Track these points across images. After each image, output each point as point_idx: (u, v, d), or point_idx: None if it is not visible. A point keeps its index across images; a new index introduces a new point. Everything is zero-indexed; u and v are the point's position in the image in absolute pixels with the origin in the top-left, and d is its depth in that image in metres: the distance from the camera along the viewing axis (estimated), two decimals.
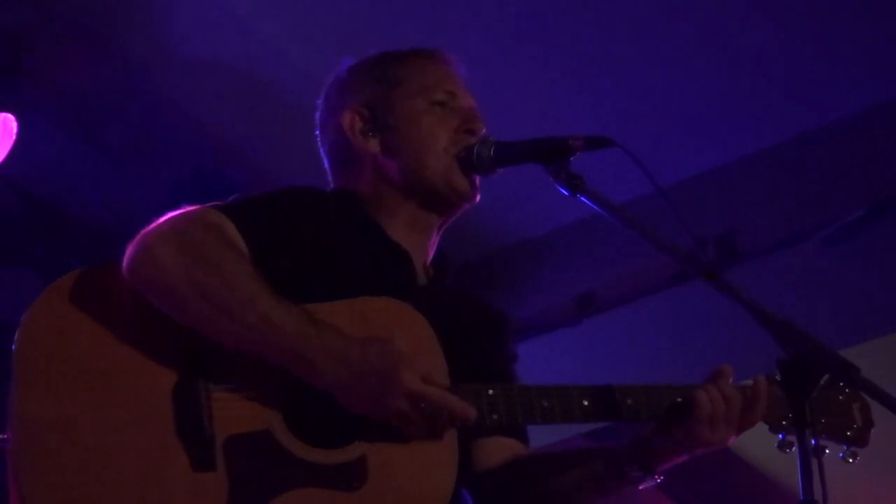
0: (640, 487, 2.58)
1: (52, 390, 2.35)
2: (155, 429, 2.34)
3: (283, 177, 4.91)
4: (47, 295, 2.43)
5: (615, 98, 4.89)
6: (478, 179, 2.73)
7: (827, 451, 2.32)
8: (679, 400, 2.52)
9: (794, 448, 2.43)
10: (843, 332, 5.03)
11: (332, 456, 2.38)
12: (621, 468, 2.57)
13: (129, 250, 2.43)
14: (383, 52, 2.87)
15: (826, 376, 2.32)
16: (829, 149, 5.02)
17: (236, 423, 2.37)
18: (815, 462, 2.21)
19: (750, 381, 2.58)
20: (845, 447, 2.64)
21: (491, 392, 2.45)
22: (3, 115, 4.53)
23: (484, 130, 2.75)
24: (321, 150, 2.88)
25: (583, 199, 2.55)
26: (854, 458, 2.64)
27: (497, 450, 2.70)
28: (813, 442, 2.25)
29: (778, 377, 2.62)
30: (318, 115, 2.89)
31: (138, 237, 2.43)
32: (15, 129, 4.53)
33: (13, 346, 2.39)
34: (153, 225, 2.45)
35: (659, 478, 2.57)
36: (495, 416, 2.44)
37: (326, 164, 2.87)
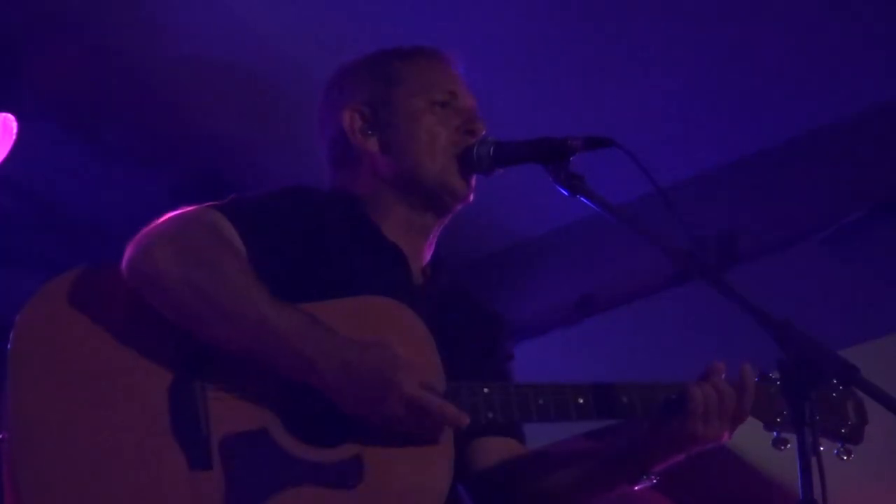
0: (636, 488, 2.58)
1: (48, 391, 2.36)
2: (151, 428, 2.35)
3: (283, 176, 4.89)
4: (42, 294, 2.43)
5: (615, 98, 4.88)
6: (474, 179, 2.73)
7: (821, 449, 2.32)
8: (673, 396, 2.52)
9: (788, 446, 2.43)
10: (843, 332, 5.03)
11: (329, 454, 2.38)
12: (617, 468, 2.57)
13: (128, 251, 2.43)
14: (385, 50, 2.87)
15: (826, 377, 2.33)
16: (829, 149, 5.02)
17: (233, 422, 2.37)
18: (814, 461, 2.21)
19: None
20: (840, 444, 2.65)
21: (486, 390, 2.46)
22: (3, 115, 4.53)
23: (484, 131, 2.75)
24: (321, 148, 2.88)
25: (582, 199, 2.55)
26: (848, 456, 2.64)
27: (494, 449, 2.70)
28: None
29: (771, 375, 2.64)
30: (318, 112, 2.89)
31: (137, 238, 2.44)
32: (15, 129, 4.53)
33: (8, 346, 2.39)
34: (152, 225, 2.46)
35: (654, 478, 2.57)
36: (491, 414, 2.45)
37: (326, 162, 2.86)
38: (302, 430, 2.40)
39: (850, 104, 4.91)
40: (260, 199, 2.62)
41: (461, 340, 2.67)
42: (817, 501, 2.19)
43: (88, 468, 2.31)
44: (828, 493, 2.19)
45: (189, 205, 2.56)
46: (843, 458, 2.63)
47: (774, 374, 2.66)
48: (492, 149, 2.69)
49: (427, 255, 2.78)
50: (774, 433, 2.62)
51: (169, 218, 2.49)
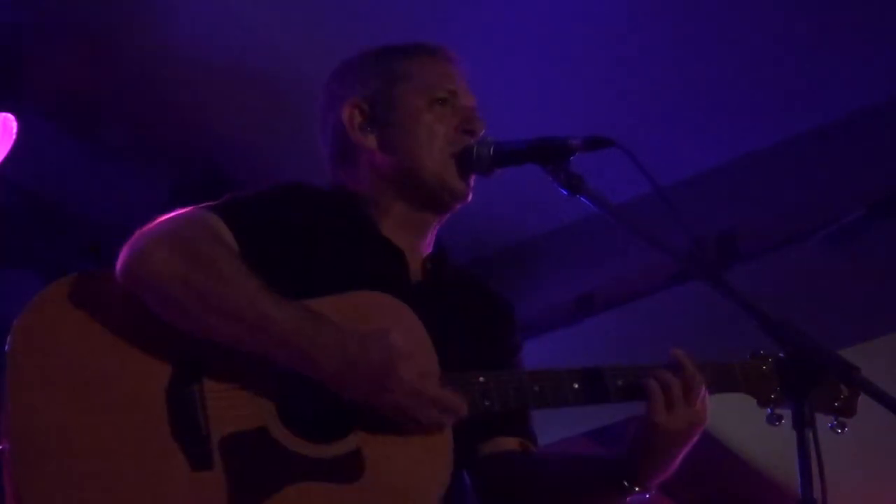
0: (628, 499, 2.58)
1: (47, 397, 2.35)
2: (151, 430, 2.35)
3: (283, 176, 4.90)
4: (38, 301, 2.44)
5: (615, 98, 4.88)
6: (473, 179, 2.73)
7: (819, 445, 2.32)
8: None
9: (783, 421, 2.43)
10: (843, 332, 5.03)
11: (329, 450, 2.39)
12: (615, 480, 2.57)
13: (123, 253, 2.43)
14: (387, 45, 2.86)
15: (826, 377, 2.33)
16: (829, 149, 5.02)
17: (232, 422, 2.37)
18: (813, 461, 2.21)
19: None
20: (834, 418, 2.65)
21: (482, 379, 2.47)
22: (3, 114, 4.53)
23: (483, 130, 2.75)
24: (321, 143, 2.87)
25: (582, 199, 2.55)
26: (843, 429, 2.64)
27: (503, 447, 2.72)
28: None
29: (762, 351, 2.64)
30: (318, 107, 2.88)
31: (131, 239, 2.44)
32: (15, 129, 4.53)
33: (6, 348, 2.39)
34: (146, 227, 2.46)
35: (648, 493, 2.57)
36: (488, 403, 2.46)
37: (325, 158, 2.86)
38: (301, 426, 2.40)
39: (850, 104, 4.92)
40: (254, 198, 2.62)
41: (465, 333, 2.67)
42: (817, 501, 2.20)
43: (89, 473, 2.31)
44: (828, 493, 2.19)
45: (189, 205, 2.56)
46: (838, 432, 2.63)
47: (759, 351, 2.66)
48: (491, 149, 2.69)
49: (426, 251, 2.78)
50: (768, 410, 2.62)
51: (163, 220, 2.49)
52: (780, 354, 2.63)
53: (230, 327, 2.36)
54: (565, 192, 2.57)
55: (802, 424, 2.28)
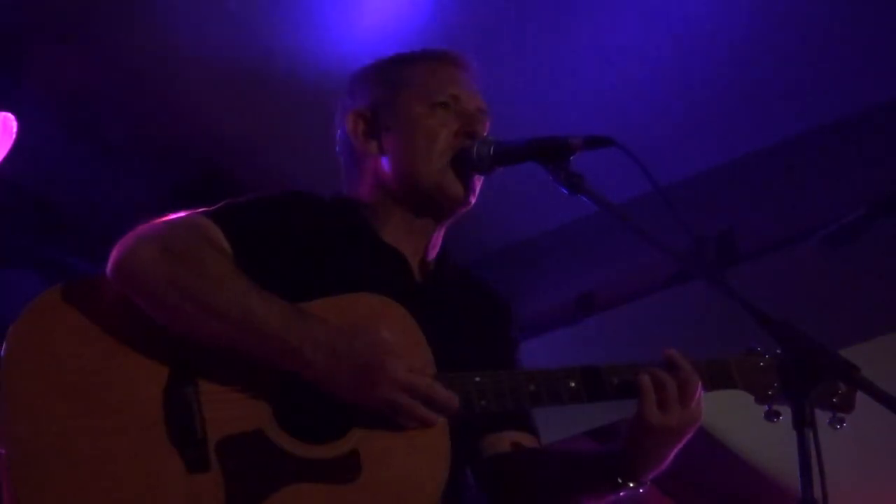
0: (622, 494, 2.59)
1: (44, 402, 2.36)
2: (148, 434, 2.36)
3: (284, 176, 4.92)
4: (34, 306, 2.45)
5: (615, 97, 4.89)
6: (477, 180, 2.72)
7: (820, 445, 2.32)
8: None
9: (780, 418, 2.43)
10: (843, 332, 5.03)
11: (325, 451, 2.39)
12: (609, 476, 2.57)
13: (114, 252, 2.44)
14: (393, 55, 2.88)
15: (826, 376, 2.33)
16: (828, 149, 5.02)
17: (228, 424, 2.38)
18: (813, 461, 2.22)
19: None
20: (832, 414, 2.65)
21: (478, 379, 2.47)
22: (3, 114, 4.53)
23: (485, 133, 2.75)
24: (337, 153, 2.90)
25: (583, 198, 2.55)
26: (841, 424, 2.64)
27: (506, 441, 2.73)
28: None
29: (759, 348, 2.64)
30: (335, 118, 2.90)
31: (122, 239, 2.45)
32: (15, 129, 4.53)
33: (2, 353, 2.40)
34: (138, 228, 2.47)
35: (643, 488, 2.58)
36: (484, 402, 2.46)
37: (342, 170, 2.88)
38: (297, 427, 2.40)
39: (850, 103, 4.92)
40: (251, 206, 2.62)
41: (465, 334, 2.68)
42: (817, 500, 2.20)
43: (87, 477, 2.32)
44: (828, 493, 2.19)
45: (188, 205, 2.57)
46: (836, 427, 2.63)
47: (756, 348, 2.66)
48: (492, 148, 2.69)
49: (431, 254, 2.78)
50: (766, 406, 2.62)
51: (155, 222, 2.50)
52: (777, 351, 2.63)
53: (218, 326, 2.37)
54: (565, 191, 2.57)
55: (802, 424, 2.28)
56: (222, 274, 2.40)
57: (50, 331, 2.42)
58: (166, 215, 2.53)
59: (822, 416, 2.59)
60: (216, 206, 2.59)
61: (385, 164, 2.75)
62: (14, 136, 4.53)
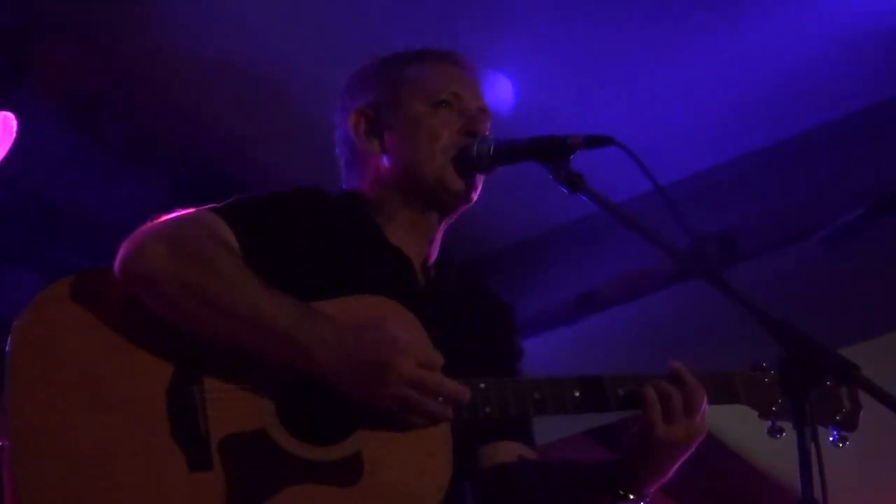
0: None
1: (47, 397, 2.36)
2: (151, 431, 2.35)
3: (283, 176, 4.92)
4: (39, 301, 2.44)
5: (615, 96, 4.89)
6: (478, 178, 2.72)
7: (821, 446, 2.32)
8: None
9: (784, 434, 2.42)
10: (843, 332, 5.03)
11: (328, 452, 2.38)
12: (611, 488, 2.57)
13: (122, 249, 2.43)
14: (395, 53, 2.87)
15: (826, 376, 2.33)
16: (829, 149, 5.02)
17: (231, 423, 2.37)
18: (813, 459, 2.21)
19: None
20: (836, 432, 2.65)
21: (483, 385, 2.46)
22: (4, 113, 4.53)
23: (487, 133, 2.75)
24: (337, 152, 2.89)
25: (582, 197, 2.55)
26: (844, 443, 2.64)
27: (502, 451, 2.71)
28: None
29: (764, 364, 2.63)
30: (335, 116, 2.89)
31: (131, 237, 2.44)
32: (15, 128, 4.53)
33: (7, 348, 2.39)
34: (146, 225, 2.46)
35: (644, 500, 2.56)
36: (488, 409, 2.45)
37: (341, 165, 2.87)
38: (300, 429, 2.40)
39: (850, 104, 4.92)
40: (259, 202, 2.62)
41: (468, 338, 2.67)
42: (817, 500, 2.19)
43: (89, 473, 2.31)
44: (828, 492, 2.19)
45: (189, 204, 2.56)
46: (839, 446, 2.63)
47: (761, 363, 2.66)
48: (492, 147, 2.68)
49: (432, 255, 2.78)
50: (770, 422, 2.61)
51: (164, 219, 2.49)
52: (783, 366, 2.62)
53: (227, 324, 2.36)
54: (566, 191, 2.56)
55: (802, 424, 2.28)
56: (231, 272, 2.39)
57: (56, 325, 2.41)
58: (172, 213, 2.52)
59: (824, 433, 2.59)
60: (225, 203, 2.58)
61: (387, 162, 2.75)
62: (14, 135, 4.53)
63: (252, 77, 4.80)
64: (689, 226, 2.53)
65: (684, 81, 4.87)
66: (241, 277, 2.39)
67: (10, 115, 4.53)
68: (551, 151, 2.58)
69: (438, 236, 2.78)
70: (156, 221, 2.48)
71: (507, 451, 2.72)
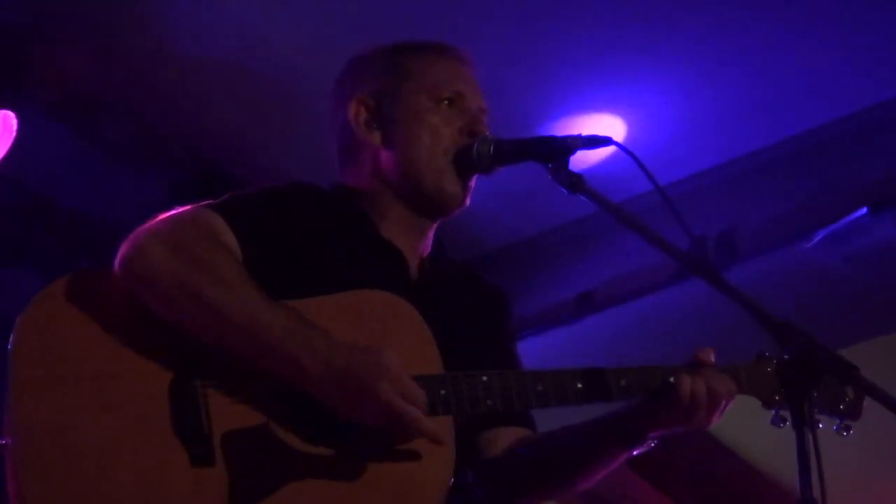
0: (636, 452, 2.62)
1: (49, 394, 2.36)
2: (153, 428, 2.35)
3: (283, 175, 4.90)
4: (41, 298, 2.44)
5: (617, 95, 4.89)
6: (472, 181, 2.72)
7: (821, 426, 2.34)
8: (671, 379, 2.53)
9: (787, 423, 2.44)
10: (843, 332, 5.03)
11: (330, 448, 2.39)
12: (616, 439, 2.59)
13: (122, 249, 2.44)
14: (397, 42, 2.85)
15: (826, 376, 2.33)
16: (829, 149, 5.02)
17: (234, 419, 2.37)
18: (813, 458, 2.22)
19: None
20: (838, 420, 2.65)
21: (485, 378, 2.46)
22: (3, 112, 4.53)
23: (487, 133, 2.74)
24: (331, 139, 2.86)
25: (582, 197, 2.55)
26: (847, 432, 2.65)
27: (505, 437, 2.72)
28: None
29: (767, 353, 2.65)
30: (329, 102, 2.87)
31: (131, 236, 2.44)
32: (15, 126, 4.53)
33: (9, 346, 2.39)
34: (146, 224, 2.46)
35: (653, 442, 2.61)
36: (490, 402, 2.45)
37: (335, 154, 2.85)
38: (302, 425, 2.40)
39: (850, 103, 4.92)
40: (256, 197, 2.62)
41: (463, 329, 2.67)
42: (816, 500, 2.20)
43: (91, 470, 2.32)
44: (827, 492, 2.19)
45: (189, 202, 2.56)
46: (843, 434, 2.63)
47: (764, 352, 2.68)
48: (492, 147, 2.68)
49: (425, 251, 2.78)
50: (773, 411, 2.62)
51: (164, 217, 2.49)
52: (786, 356, 2.63)
53: (219, 327, 2.37)
54: (565, 191, 2.57)
55: (802, 424, 2.28)
56: (231, 277, 2.40)
57: (57, 323, 2.41)
58: (169, 211, 2.52)
59: (827, 423, 2.60)
60: (221, 199, 2.58)
61: (386, 155, 2.74)
62: (14, 133, 4.53)
63: (252, 77, 4.79)
64: (690, 225, 2.53)
65: (684, 81, 4.87)
66: (239, 283, 2.39)
67: (10, 114, 4.52)
68: (551, 152, 2.58)
69: (431, 233, 2.79)
70: (156, 220, 2.48)
71: (510, 435, 2.72)
